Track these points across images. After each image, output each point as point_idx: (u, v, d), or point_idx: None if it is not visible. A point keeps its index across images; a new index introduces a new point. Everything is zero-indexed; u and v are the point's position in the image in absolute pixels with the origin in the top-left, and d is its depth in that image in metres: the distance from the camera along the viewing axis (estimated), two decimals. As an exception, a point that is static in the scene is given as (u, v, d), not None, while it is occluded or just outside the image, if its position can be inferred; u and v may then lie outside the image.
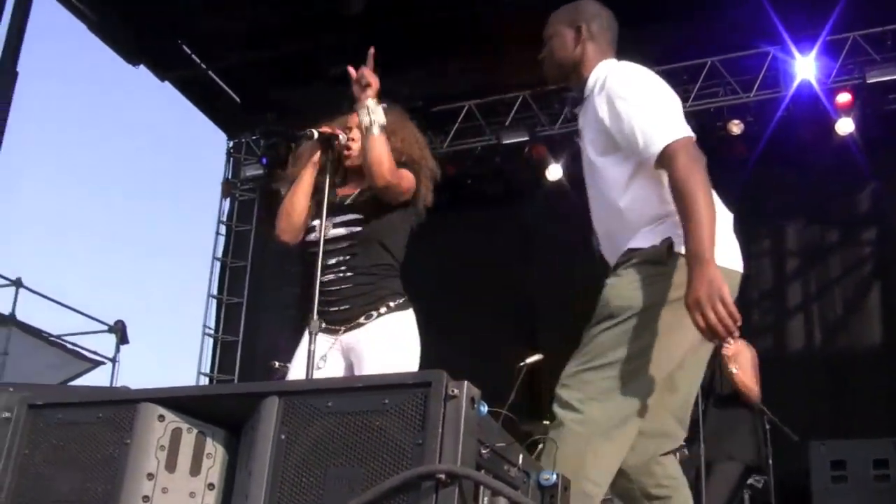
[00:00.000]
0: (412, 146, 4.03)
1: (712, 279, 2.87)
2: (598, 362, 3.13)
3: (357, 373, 3.74)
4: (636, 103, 3.28)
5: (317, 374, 3.58)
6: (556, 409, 3.06)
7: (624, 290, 3.21)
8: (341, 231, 3.83)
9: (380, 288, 3.84)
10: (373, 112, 3.67)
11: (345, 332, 3.79)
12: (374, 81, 3.66)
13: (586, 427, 3.00)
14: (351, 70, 3.73)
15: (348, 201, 3.91)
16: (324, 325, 3.72)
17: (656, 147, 3.14)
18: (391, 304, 3.81)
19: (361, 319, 3.79)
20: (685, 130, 3.23)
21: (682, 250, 3.06)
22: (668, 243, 3.18)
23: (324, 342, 3.76)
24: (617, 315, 3.17)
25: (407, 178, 3.89)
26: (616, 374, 3.08)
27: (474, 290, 10.64)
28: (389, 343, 3.78)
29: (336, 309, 3.81)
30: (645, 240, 3.28)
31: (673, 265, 3.15)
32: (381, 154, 3.67)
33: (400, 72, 9.32)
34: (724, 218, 3.18)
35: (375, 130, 3.67)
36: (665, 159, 3.12)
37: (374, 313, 3.79)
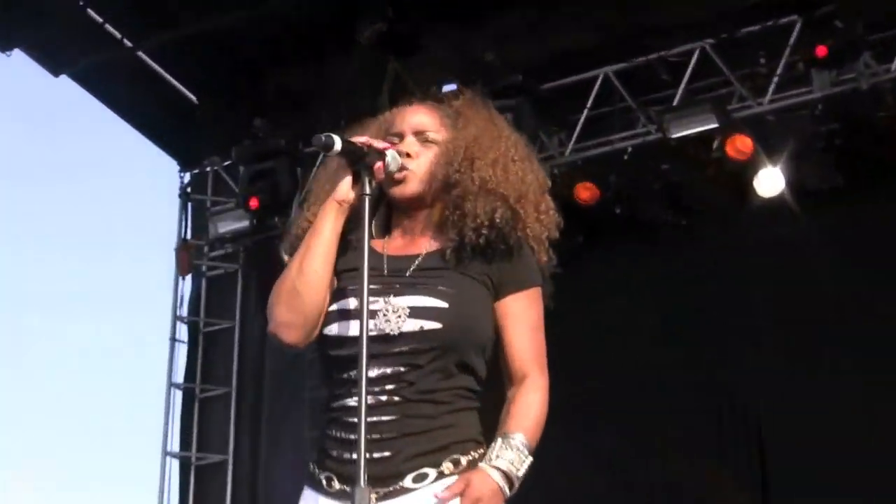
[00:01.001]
0: (509, 169, 2.70)
1: None
2: None
3: None
4: None
5: None
6: None
7: None
8: (397, 324, 2.55)
9: (448, 429, 2.56)
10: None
11: (378, 501, 2.51)
12: None
13: None
14: None
15: (410, 270, 2.62)
16: (338, 484, 2.56)
17: None
18: (463, 458, 2.56)
19: (408, 482, 2.52)
20: None
21: None
22: None
23: None
24: None
25: None
26: None
27: (649, 397, 7.44)
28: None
29: (367, 458, 2.42)
30: None
31: None
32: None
33: (475, 23, 7.63)
34: None
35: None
36: None
37: (432, 473, 2.52)
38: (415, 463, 2.58)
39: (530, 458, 2.56)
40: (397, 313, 2.58)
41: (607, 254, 7.64)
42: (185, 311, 9.02)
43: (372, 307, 2.50)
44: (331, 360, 2.61)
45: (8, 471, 11.91)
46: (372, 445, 2.51)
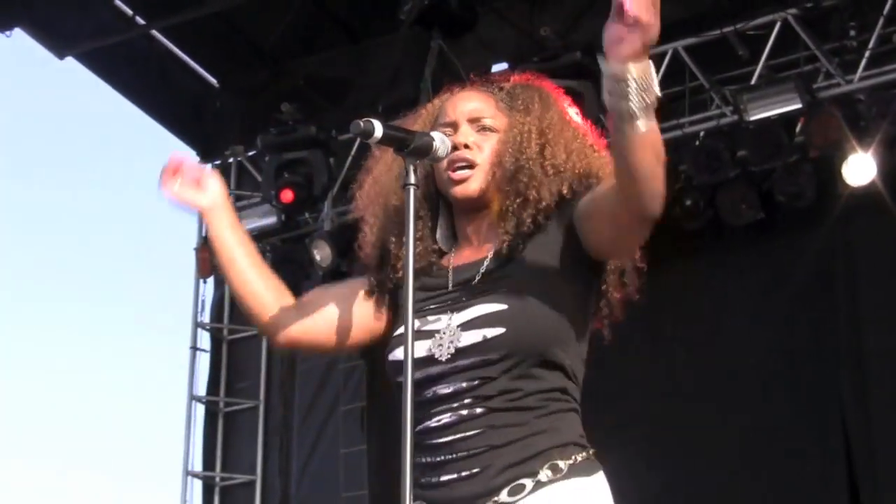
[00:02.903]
0: (589, 156, 2.75)
1: None
2: None
3: None
4: None
5: None
6: None
7: None
8: (453, 343, 2.63)
9: (541, 434, 2.63)
10: (641, 85, 2.34)
11: None
12: (652, 19, 2.29)
13: None
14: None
15: (477, 278, 2.68)
16: None
17: None
18: (561, 462, 2.61)
19: (504, 496, 2.59)
20: None
21: None
22: None
23: None
24: None
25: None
26: None
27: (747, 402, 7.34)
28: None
29: (451, 478, 2.59)
30: None
31: None
32: (656, 163, 2.46)
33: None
34: None
35: (642, 125, 2.37)
36: None
37: (528, 483, 2.59)
38: (508, 475, 2.61)
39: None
40: (452, 331, 2.63)
41: (675, 252, 7.30)
42: (206, 317, 8.97)
43: (434, 326, 2.58)
44: (398, 385, 2.61)
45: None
46: (461, 463, 2.60)
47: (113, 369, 15.14)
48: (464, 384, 2.61)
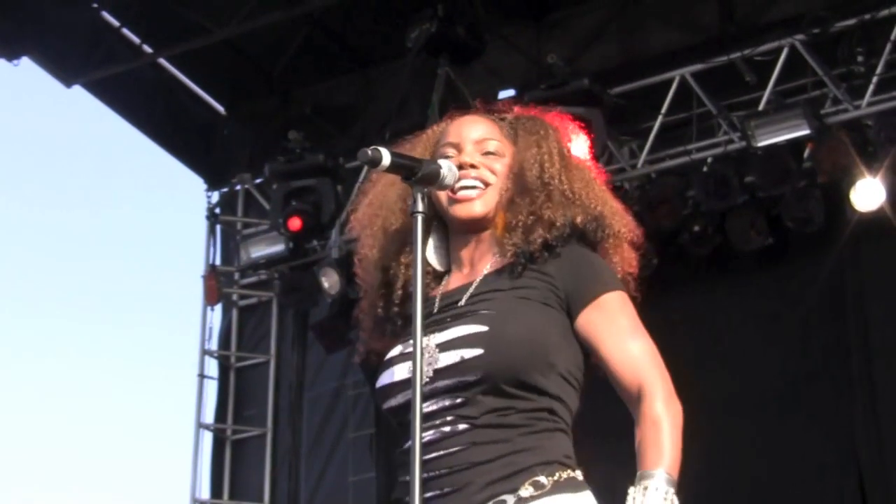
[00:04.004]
0: (594, 187, 2.79)
1: None
2: None
3: None
4: None
5: None
6: None
7: None
8: (443, 359, 2.62)
9: (525, 452, 2.61)
10: None
11: None
12: None
13: None
14: None
15: (464, 299, 2.71)
16: None
17: None
18: (544, 479, 2.58)
19: None
20: None
21: None
22: None
23: None
24: None
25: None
26: None
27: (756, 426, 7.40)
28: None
29: (434, 495, 2.59)
30: None
31: None
32: None
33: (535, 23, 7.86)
34: None
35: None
36: None
37: (510, 500, 2.58)
38: (490, 491, 2.60)
39: (675, 498, 2.50)
40: (430, 352, 2.65)
41: (684, 278, 7.42)
42: (214, 345, 8.96)
43: (410, 350, 2.53)
44: (386, 412, 2.71)
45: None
46: (443, 480, 2.60)
47: (120, 396, 15.12)
48: (447, 402, 2.60)
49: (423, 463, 2.52)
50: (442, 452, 2.59)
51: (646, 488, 2.49)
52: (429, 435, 2.62)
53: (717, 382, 7.22)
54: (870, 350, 7.11)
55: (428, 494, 2.57)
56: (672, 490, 2.49)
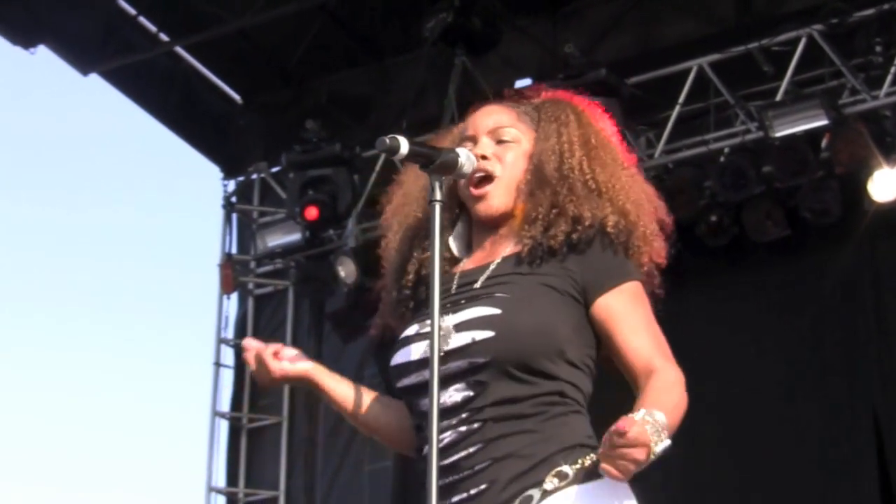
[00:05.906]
0: (620, 177, 2.73)
1: None
2: None
3: None
4: None
5: None
6: None
7: None
8: (455, 340, 2.60)
9: (543, 441, 2.58)
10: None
11: None
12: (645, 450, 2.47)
13: None
14: None
15: (481, 280, 2.67)
16: None
17: None
18: (568, 468, 2.55)
19: None
20: None
21: None
22: None
23: None
24: None
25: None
26: None
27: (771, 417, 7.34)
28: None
29: (461, 498, 2.56)
30: None
31: None
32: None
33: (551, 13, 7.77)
34: None
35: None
36: None
37: (536, 494, 2.55)
38: (515, 487, 2.58)
39: (668, 441, 2.43)
40: (446, 332, 2.62)
41: (700, 269, 7.36)
42: (230, 333, 8.92)
43: (427, 329, 2.53)
44: (400, 391, 2.69)
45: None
46: (467, 482, 2.57)
47: (136, 385, 15.13)
48: (459, 398, 2.59)
49: (447, 468, 2.53)
50: (462, 454, 2.57)
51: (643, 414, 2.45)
52: (446, 437, 2.60)
53: (731, 374, 7.19)
54: (886, 341, 7.03)
55: (455, 498, 2.56)
56: (665, 434, 2.45)
